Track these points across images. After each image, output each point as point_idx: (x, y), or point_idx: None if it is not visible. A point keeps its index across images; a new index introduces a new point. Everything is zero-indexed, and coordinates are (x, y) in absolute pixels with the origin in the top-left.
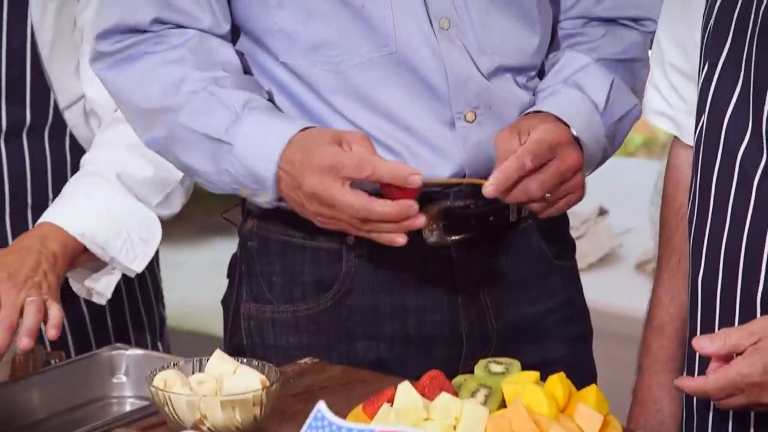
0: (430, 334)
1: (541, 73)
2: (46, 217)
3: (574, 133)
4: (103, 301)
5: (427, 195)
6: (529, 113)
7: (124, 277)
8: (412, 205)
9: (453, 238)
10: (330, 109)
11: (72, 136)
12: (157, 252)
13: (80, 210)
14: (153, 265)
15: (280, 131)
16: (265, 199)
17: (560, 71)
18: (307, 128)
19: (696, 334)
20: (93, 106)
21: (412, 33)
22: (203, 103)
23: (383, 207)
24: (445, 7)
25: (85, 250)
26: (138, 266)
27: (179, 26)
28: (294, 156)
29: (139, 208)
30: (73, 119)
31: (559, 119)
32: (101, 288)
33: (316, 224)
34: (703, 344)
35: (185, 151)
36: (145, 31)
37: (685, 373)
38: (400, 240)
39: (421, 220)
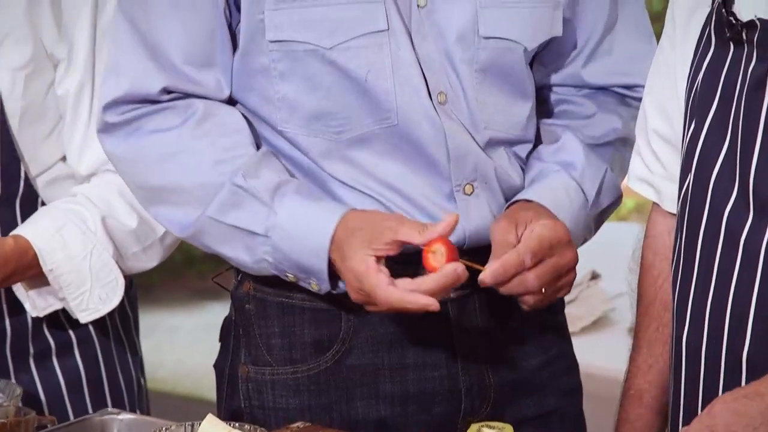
0: (430, 390)
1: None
2: (27, 233)
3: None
4: (33, 314)
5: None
6: (523, 201)
7: (101, 342)
8: (432, 304)
9: (451, 294)
10: (329, 176)
11: (44, 204)
12: (137, 317)
13: (57, 248)
14: (131, 331)
15: (320, 228)
16: (314, 288)
17: (557, 152)
18: (342, 217)
19: (680, 394)
20: (82, 169)
21: (413, 107)
22: (230, 196)
23: (414, 302)
24: (441, 82)
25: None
26: (84, 318)
27: (186, 95)
28: (335, 255)
29: (112, 269)
30: (44, 187)
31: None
32: (40, 304)
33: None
34: None
35: (216, 243)
36: (153, 102)
37: None
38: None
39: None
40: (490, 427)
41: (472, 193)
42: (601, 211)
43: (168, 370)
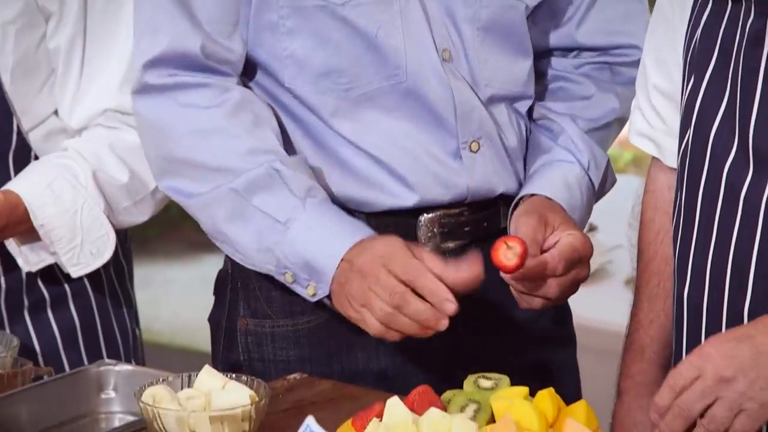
0: (429, 342)
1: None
2: (18, 188)
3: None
4: (26, 269)
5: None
6: (544, 198)
7: (95, 294)
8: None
9: (449, 244)
10: (334, 133)
11: (37, 158)
12: (131, 269)
13: (48, 203)
14: (126, 282)
15: (347, 234)
16: (309, 291)
17: (565, 142)
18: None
19: (682, 351)
20: (73, 123)
21: (422, 64)
22: (265, 177)
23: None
24: (445, 39)
25: (34, 229)
26: (75, 273)
27: (222, 63)
28: (352, 254)
29: (103, 224)
30: (37, 140)
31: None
32: (33, 259)
33: (347, 317)
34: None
35: (226, 218)
36: (194, 66)
37: None
38: (442, 323)
39: (446, 319)
40: (487, 378)
41: (478, 150)
42: (599, 196)
43: (164, 322)
